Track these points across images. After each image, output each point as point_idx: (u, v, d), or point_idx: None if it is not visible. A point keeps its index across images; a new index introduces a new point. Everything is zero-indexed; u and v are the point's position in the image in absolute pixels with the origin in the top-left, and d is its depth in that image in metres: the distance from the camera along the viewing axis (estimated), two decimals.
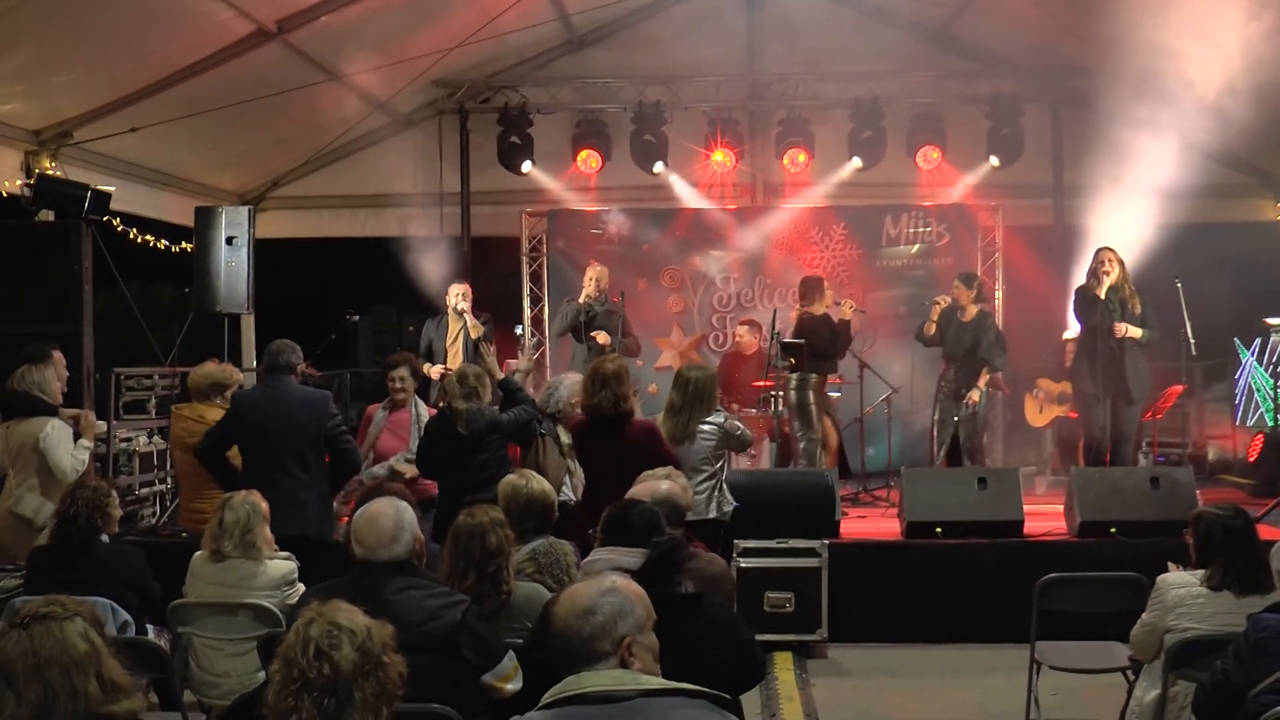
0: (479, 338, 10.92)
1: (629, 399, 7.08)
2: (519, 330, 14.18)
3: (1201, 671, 4.76)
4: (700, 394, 7.56)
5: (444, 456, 7.47)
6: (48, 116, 10.71)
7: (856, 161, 13.42)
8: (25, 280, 9.39)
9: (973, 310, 10.91)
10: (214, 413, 7.62)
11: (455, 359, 10.87)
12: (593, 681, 2.92)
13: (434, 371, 10.85)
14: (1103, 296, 10.06)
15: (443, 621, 4.15)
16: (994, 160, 13.35)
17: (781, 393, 10.76)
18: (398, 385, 8.48)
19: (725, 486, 7.68)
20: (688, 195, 13.96)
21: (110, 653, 3.04)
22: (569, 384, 8.03)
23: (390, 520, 4.36)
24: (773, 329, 10.76)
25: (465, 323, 10.92)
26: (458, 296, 11.01)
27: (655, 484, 5.34)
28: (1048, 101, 13.60)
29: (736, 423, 7.78)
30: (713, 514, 7.47)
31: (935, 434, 11.13)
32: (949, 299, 10.99)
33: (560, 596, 3.16)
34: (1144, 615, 5.46)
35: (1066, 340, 12.19)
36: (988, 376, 10.80)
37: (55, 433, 7.47)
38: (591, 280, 11.68)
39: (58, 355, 8.05)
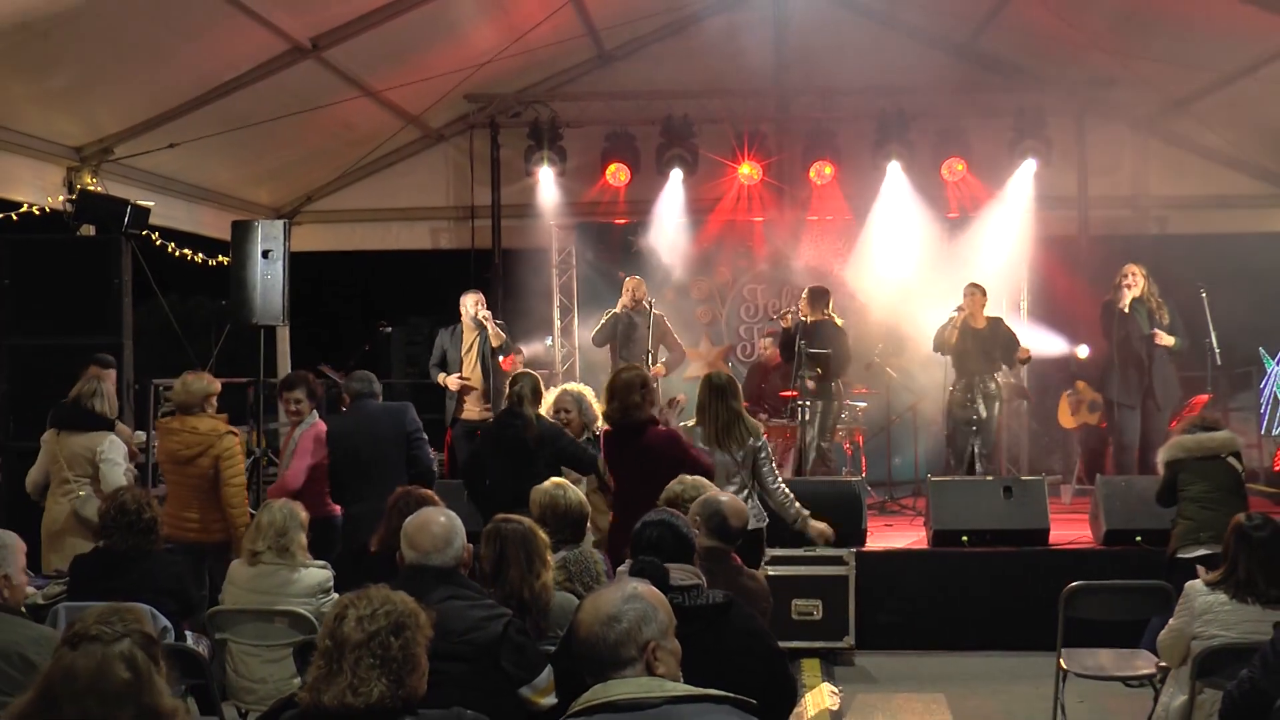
0: (499, 346, 10.92)
1: (640, 407, 6.91)
2: (548, 342, 14.21)
3: (1228, 679, 4.73)
4: (739, 399, 7.46)
5: (497, 463, 7.44)
6: (89, 133, 10.83)
7: (896, 167, 13.34)
8: (67, 293, 9.47)
9: (984, 318, 10.92)
10: (208, 423, 7.57)
11: (471, 368, 10.87)
12: (619, 690, 2.93)
13: (450, 381, 10.84)
14: (1126, 310, 10.16)
15: (484, 633, 4.15)
16: (1033, 161, 13.21)
17: (808, 402, 10.76)
18: (292, 407, 8.12)
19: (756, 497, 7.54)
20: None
21: (159, 672, 3.06)
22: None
23: (441, 527, 4.38)
24: (797, 339, 10.75)
25: (487, 330, 10.89)
26: (474, 304, 11.00)
27: (712, 495, 5.28)
28: (1072, 113, 13.56)
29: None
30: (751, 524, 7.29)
31: (950, 448, 11.12)
32: (968, 308, 10.97)
33: (584, 604, 3.16)
34: (1171, 621, 5.45)
35: (1080, 358, 12.20)
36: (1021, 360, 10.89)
37: (112, 449, 7.60)
38: (628, 290, 11.62)
39: (94, 370, 8.25)
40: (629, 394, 6.91)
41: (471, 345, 10.98)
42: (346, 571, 6.20)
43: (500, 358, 11.09)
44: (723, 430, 7.14)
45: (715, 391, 7.21)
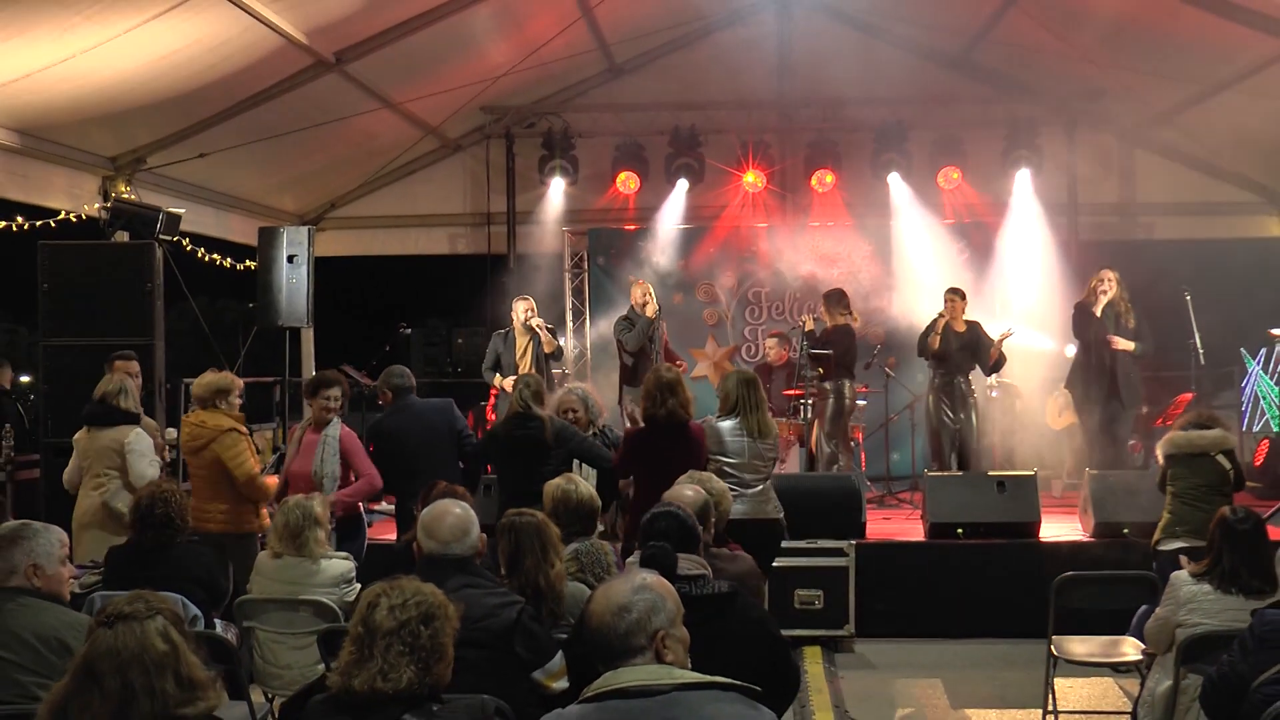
0: (552, 352, 10.84)
1: (690, 404, 6.98)
2: (562, 342, 14.21)
3: (1210, 665, 4.73)
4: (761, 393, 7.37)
5: (515, 462, 7.42)
6: (123, 144, 10.87)
7: (897, 177, 13.36)
8: (102, 296, 9.48)
9: (964, 322, 10.89)
10: (215, 418, 7.48)
11: (525, 371, 10.76)
12: (630, 677, 2.93)
13: (506, 384, 10.62)
14: (1099, 314, 10.17)
15: (499, 620, 4.15)
16: (1028, 169, 13.24)
17: (812, 400, 10.76)
18: (331, 405, 7.70)
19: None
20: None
21: (191, 648, 3.08)
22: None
23: (458, 518, 4.40)
24: (803, 339, 10.74)
25: (539, 337, 10.80)
26: (525, 311, 10.92)
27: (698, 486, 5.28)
28: (1062, 124, 13.55)
29: None
30: (775, 514, 7.20)
31: (933, 447, 11.06)
32: (948, 312, 10.92)
33: (595, 595, 3.16)
34: (1158, 610, 5.45)
35: (1069, 357, 12.17)
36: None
37: (138, 441, 7.58)
38: (649, 293, 11.31)
39: (120, 364, 8.31)
40: (682, 391, 6.96)
41: (525, 350, 10.87)
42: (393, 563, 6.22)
43: (554, 362, 11.01)
44: (762, 420, 7.15)
45: (748, 384, 7.20)
